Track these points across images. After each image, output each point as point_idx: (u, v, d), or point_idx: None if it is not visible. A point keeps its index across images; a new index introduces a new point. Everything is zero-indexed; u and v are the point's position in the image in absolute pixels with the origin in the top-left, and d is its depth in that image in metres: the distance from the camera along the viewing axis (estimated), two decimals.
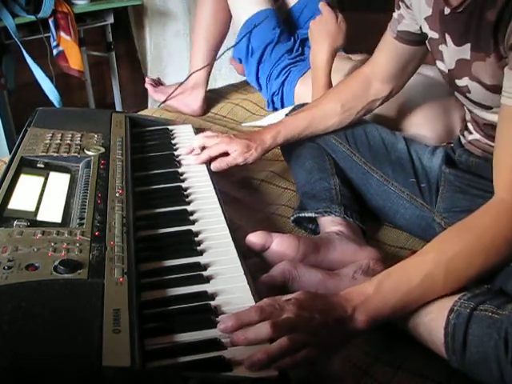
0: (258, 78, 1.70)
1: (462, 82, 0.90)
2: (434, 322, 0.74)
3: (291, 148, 1.23)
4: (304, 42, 1.68)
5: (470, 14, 0.83)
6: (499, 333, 0.66)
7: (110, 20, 2.39)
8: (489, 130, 0.93)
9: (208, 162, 1.13)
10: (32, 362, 0.55)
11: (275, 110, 1.66)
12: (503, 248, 0.74)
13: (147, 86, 1.85)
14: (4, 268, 0.66)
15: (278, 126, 1.17)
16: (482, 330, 0.68)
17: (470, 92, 0.90)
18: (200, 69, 1.69)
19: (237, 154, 1.11)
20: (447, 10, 0.87)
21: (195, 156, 1.13)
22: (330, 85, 1.37)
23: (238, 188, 1.26)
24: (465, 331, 0.69)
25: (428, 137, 1.25)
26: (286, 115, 1.29)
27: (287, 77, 1.60)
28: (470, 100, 0.92)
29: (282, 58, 1.63)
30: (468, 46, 0.86)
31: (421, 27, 0.99)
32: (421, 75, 1.12)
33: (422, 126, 1.28)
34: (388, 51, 1.10)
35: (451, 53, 0.90)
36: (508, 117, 0.78)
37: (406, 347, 0.80)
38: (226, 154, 1.12)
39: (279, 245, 0.92)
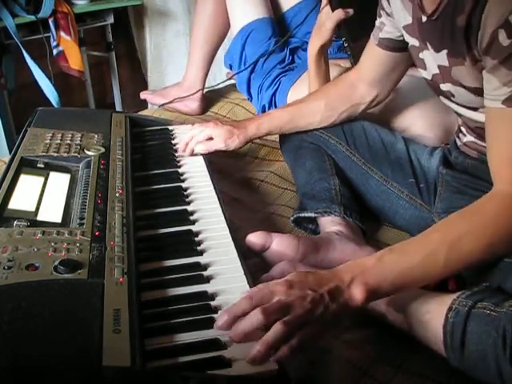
0: (249, 88, 1.69)
1: (446, 86, 0.92)
2: (433, 321, 0.74)
3: (291, 148, 1.23)
4: (295, 50, 1.67)
5: (443, 21, 0.84)
6: (497, 330, 0.67)
7: (110, 20, 2.39)
8: (481, 132, 0.93)
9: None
10: (32, 362, 0.55)
11: None
12: (505, 236, 0.74)
13: (144, 97, 1.85)
14: (4, 268, 0.66)
15: (262, 117, 1.20)
16: (481, 327, 0.68)
17: (454, 96, 0.91)
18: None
19: (219, 139, 1.15)
20: (424, 18, 0.89)
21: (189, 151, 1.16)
22: (319, 82, 1.37)
23: (238, 188, 1.26)
24: (463, 329, 0.70)
25: (427, 137, 1.25)
26: None
27: (278, 87, 1.59)
28: (456, 103, 0.93)
29: (273, 69, 1.62)
30: (445, 52, 0.87)
31: (403, 35, 1.00)
32: (418, 77, 1.13)
33: (421, 126, 1.28)
34: (372, 57, 1.12)
35: (433, 58, 0.91)
36: (494, 118, 0.79)
37: (406, 347, 0.79)
38: (211, 138, 1.16)
39: (279, 245, 0.92)
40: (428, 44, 0.91)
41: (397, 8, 0.98)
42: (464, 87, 0.87)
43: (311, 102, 1.19)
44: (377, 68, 1.12)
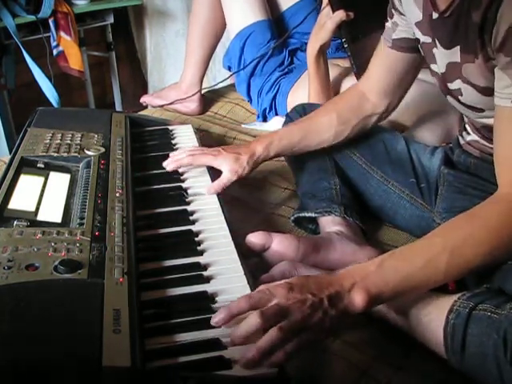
0: (248, 91, 1.69)
1: (454, 85, 0.90)
2: (433, 323, 0.74)
3: None
4: (294, 52, 1.66)
5: (457, 17, 0.83)
6: (498, 332, 0.67)
7: (110, 20, 2.39)
8: (486, 131, 0.93)
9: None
10: (32, 362, 0.55)
11: (264, 122, 1.66)
12: (509, 242, 0.73)
13: (144, 100, 1.86)
14: (4, 268, 0.66)
15: (271, 137, 1.09)
16: (481, 329, 0.68)
17: (462, 95, 0.89)
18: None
19: (227, 171, 1.03)
20: (435, 15, 0.87)
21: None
22: (319, 82, 1.37)
23: (238, 188, 1.26)
24: (464, 331, 0.69)
25: (428, 137, 1.25)
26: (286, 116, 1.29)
27: (278, 90, 1.59)
28: (463, 104, 0.91)
29: (273, 73, 1.61)
30: (458, 48, 0.85)
31: (414, 33, 0.98)
32: (418, 79, 1.12)
33: (421, 126, 1.28)
34: (383, 64, 1.07)
35: (442, 56, 0.90)
36: (504, 117, 0.77)
37: (406, 347, 0.80)
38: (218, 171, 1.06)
39: (279, 245, 0.92)
40: (437, 41, 0.89)
41: (408, 5, 0.95)
42: (473, 86, 0.86)
43: (322, 116, 1.12)
44: (388, 74, 1.06)
